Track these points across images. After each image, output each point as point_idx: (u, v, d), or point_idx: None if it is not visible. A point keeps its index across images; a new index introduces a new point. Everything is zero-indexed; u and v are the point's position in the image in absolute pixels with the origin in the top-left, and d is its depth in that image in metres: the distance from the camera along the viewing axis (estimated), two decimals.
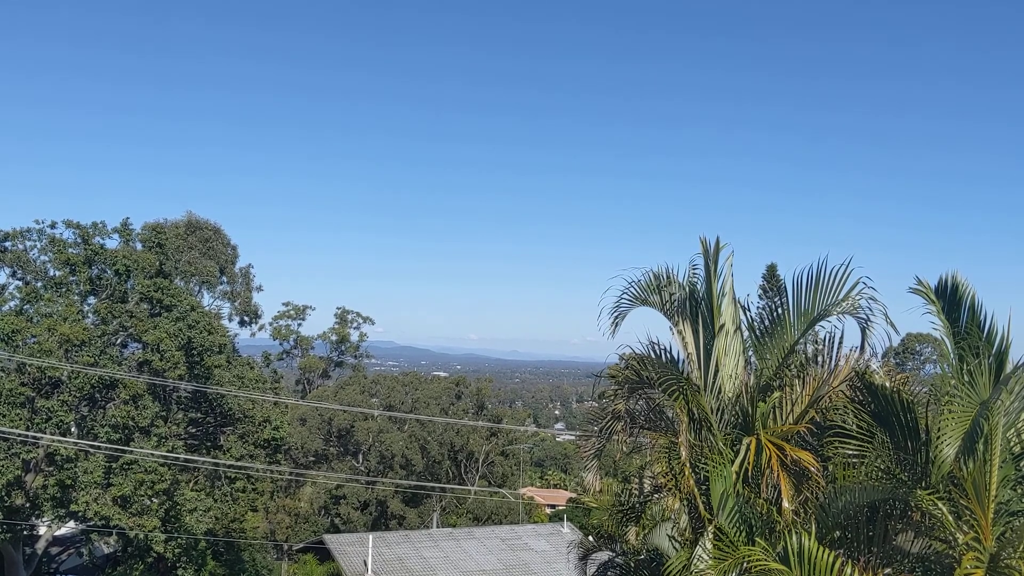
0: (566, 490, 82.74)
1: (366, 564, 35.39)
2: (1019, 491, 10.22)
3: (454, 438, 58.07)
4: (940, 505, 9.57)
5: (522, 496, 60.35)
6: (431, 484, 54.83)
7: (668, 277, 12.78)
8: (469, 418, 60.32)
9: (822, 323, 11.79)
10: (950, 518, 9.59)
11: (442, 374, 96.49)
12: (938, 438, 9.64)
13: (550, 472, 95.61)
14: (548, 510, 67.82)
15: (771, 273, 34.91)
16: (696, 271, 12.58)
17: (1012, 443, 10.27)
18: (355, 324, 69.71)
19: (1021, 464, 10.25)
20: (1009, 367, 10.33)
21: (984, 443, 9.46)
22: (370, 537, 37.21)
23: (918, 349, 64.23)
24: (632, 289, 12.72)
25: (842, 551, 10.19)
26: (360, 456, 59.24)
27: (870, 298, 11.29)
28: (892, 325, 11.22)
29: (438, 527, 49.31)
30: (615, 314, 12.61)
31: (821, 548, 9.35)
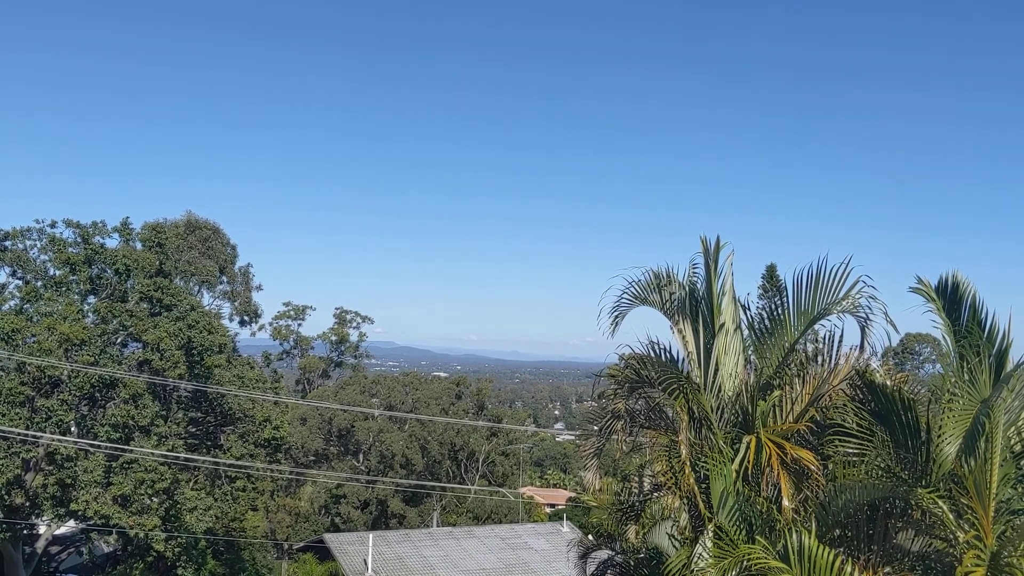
0: (566, 489, 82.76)
1: (366, 563, 35.37)
2: (1020, 489, 10.21)
3: (454, 438, 58.07)
4: (941, 503, 9.55)
5: (522, 495, 60.40)
6: (431, 483, 54.84)
7: (668, 276, 12.76)
8: (469, 418, 60.30)
9: (822, 322, 11.78)
10: (951, 516, 9.58)
11: (442, 374, 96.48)
12: (939, 436, 9.63)
13: (550, 472, 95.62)
14: (548, 509, 67.85)
15: (771, 273, 34.94)
16: (696, 270, 12.57)
17: (1013, 441, 10.27)
18: (355, 324, 69.79)
19: (1022, 462, 10.24)
20: (1010, 365, 10.32)
21: (985, 441, 9.44)
22: (370, 536, 37.19)
23: (917, 349, 64.18)
24: (632, 288, 12.71)
25: (842, 549, 10.18)
26: (360, 456, 59.25)
27: (870, 297, 11.30)
28: (892, 324, 11.22)
29: (438, 526, 49.32)
30: (615, 313, 12.60)
31: (821, 546, 9.33)
